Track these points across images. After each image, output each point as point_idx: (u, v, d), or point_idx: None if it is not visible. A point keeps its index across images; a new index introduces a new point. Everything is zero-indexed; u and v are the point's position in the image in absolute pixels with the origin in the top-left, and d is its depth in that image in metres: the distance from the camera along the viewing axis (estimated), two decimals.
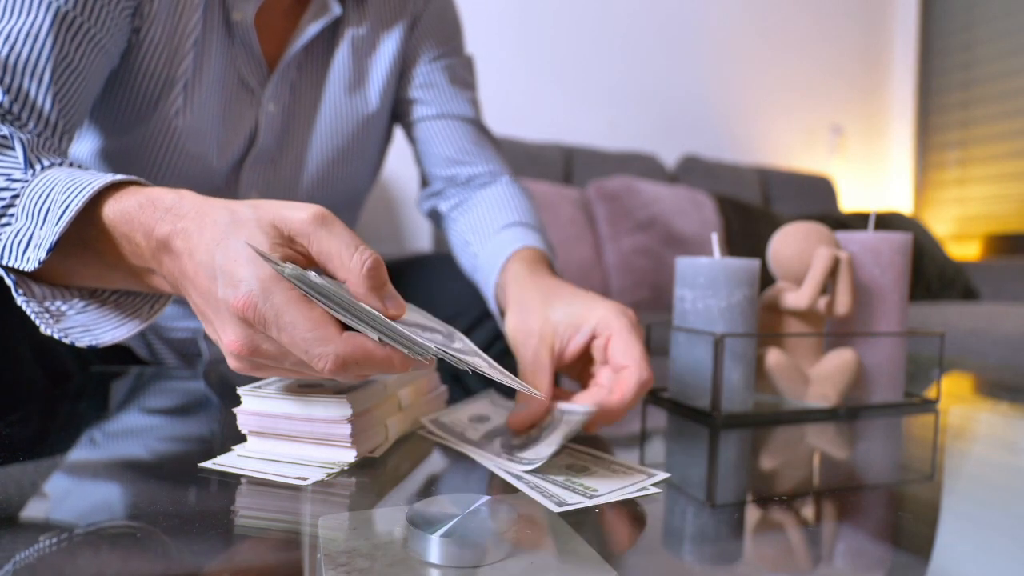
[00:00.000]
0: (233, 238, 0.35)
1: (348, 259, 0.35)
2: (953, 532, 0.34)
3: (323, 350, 0.33)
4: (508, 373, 0.36)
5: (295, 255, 0.36)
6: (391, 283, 0.37)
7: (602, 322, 0.48)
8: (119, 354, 0.79)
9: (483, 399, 0.56)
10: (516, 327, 0.52)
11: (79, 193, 0.41)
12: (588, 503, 0.34)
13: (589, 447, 0.44)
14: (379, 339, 0.34)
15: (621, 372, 0.46)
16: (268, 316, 0.33)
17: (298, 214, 0.36)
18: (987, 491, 0.42)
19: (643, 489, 0.37)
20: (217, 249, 0.35)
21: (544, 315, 0.51)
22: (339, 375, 0.34)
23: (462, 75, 0.84)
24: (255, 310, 0.33)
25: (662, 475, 0.39)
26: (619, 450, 0.48)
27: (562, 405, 0.46)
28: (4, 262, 0.44)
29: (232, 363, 0.37)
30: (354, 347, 0.33)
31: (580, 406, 0.44)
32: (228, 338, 0.35)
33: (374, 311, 0.34)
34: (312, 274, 0.34)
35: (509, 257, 0.66)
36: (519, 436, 0.45)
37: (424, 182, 0.87)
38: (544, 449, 0.40)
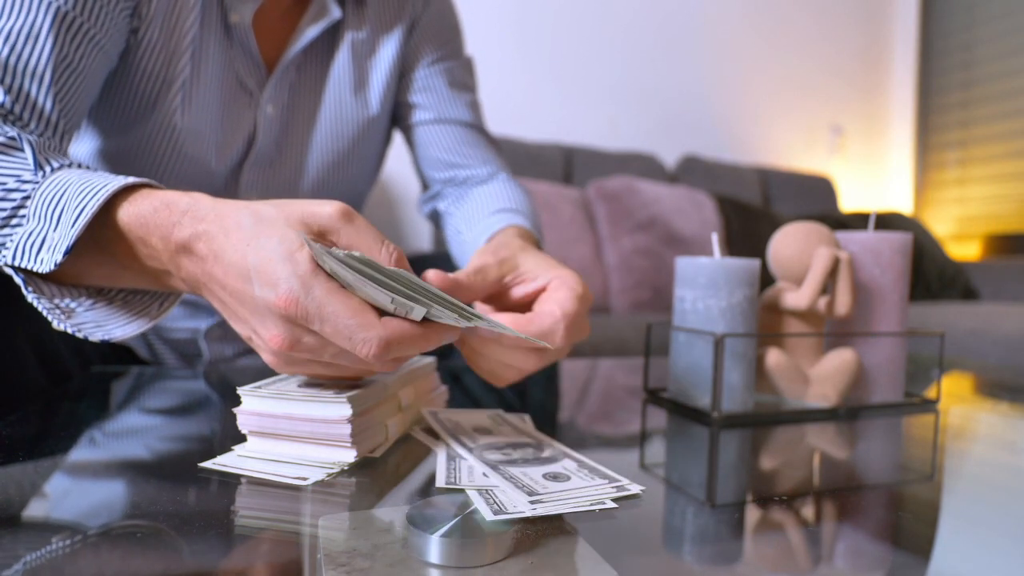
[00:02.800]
0: (264, 237, 0.36)
1: (377, 252, 0.37)
2: (953, 532, 0.34)
3: (367, 335, 0.34)
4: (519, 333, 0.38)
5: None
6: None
7: (558, 279, 0.48)
8: (119, 354, 0.79)
9: (490, 415, 0.52)
10: (477, 257, 0.50)
11: (93, 196, 0.42)
12: (528, 513, 0.31)
13: (584, 447, 0.44)
14: (426, 312, 0.35)
15: (544, 305, 0.45)
16: (311, 309, 0.34)
17: (324, 209, 0.37)
18: (987, 491, 0.42)
19: (597, 503, 0.34)
20: (248, 250, 0.36)
21: (511, 253, 0.50)
22: (381, 358, 0.35)
23: (461, 78, 0.84)
24: (298, 305, 0.34)
25: (635, 488, 0.36)
26: (618, 450, 0.48)
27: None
28: (16, 263, 0.44)
29: (269, 359, 0.38)
30: (394, 329, 0.35)
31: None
32: (270, 334, 0.36)
33: (421, 280, 0.36)
34: (356, 253, 0.36)
35: (493, 234, 0.66)
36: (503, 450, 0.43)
37: (424, 186, 0.87)
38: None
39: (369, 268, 0.35)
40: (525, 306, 0.49)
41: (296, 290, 0.34)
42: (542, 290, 0.48)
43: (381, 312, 0.36)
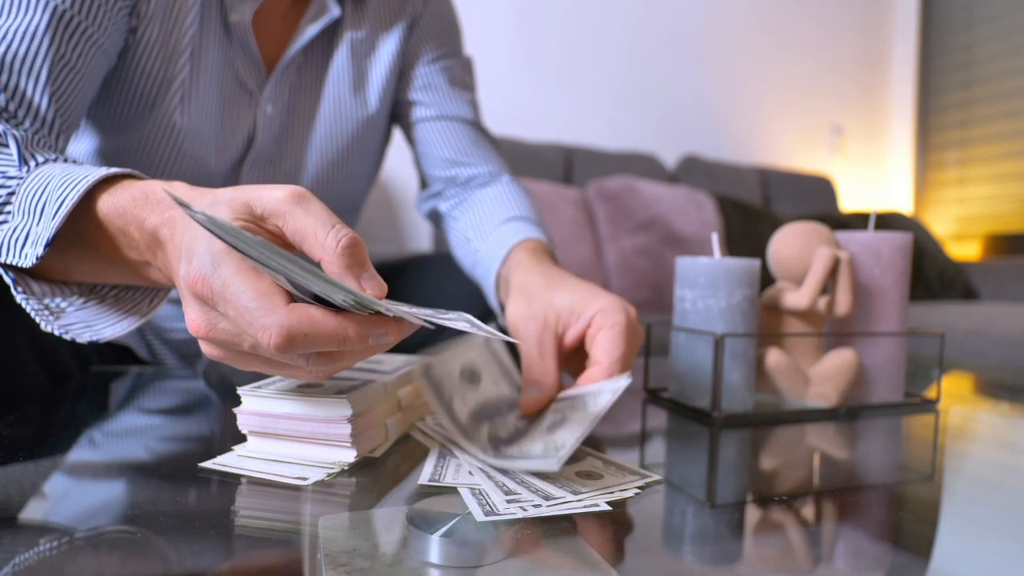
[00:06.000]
0: None
1: (323, 237, 0.33)
2: (953, 532, 0.34)
3: (266, 320, 0.31)
4: (493, 331, 0.35)
5: (263, 232, 0.35)
6: (372, 266, 0.35)
7: (601, 314, 0.47)
8: (119, 354, 0.79)
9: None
10: (518, 312, 0.51)
11: (73, 188, 0.41)
12: (520, 515, 0.31)
13: (584, 447, 0.44)
14: (289, 282, 0.31)
15: (591, 368, 0.45)
16: (216, 287, 0.32)
17: (273, 193, 0.35)
18: (987, 491, 0.42)
19: (592, 506, 0.33)
20: (187, 230, 0.35)
21: (547, 299, 0.50)
22: (287, 351, 0.31)
23: (461, 77, 0.84)
24: (204, 282, 0.32)
25: (655, 476, 0.38)
26: (617, 450, 0.48)
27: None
28: (2, 259, 0.44)
29: (202, 347, 0.36)
30: (299, 317, 0.31)
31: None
32: (188, 317, 0.34)
33: (293, 256, 0.32)
34: (227, 221, 0.31)
35: (512, 248, 0.66)
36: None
37: (423, 184, 0.87)
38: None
39: (220, 228, 0.30)
40: (581, 348, 0.49)
41: (205, 267, 0.32)
42: (587, 327, 0.48)
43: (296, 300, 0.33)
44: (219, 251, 0.32)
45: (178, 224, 0.37)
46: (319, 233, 0.33)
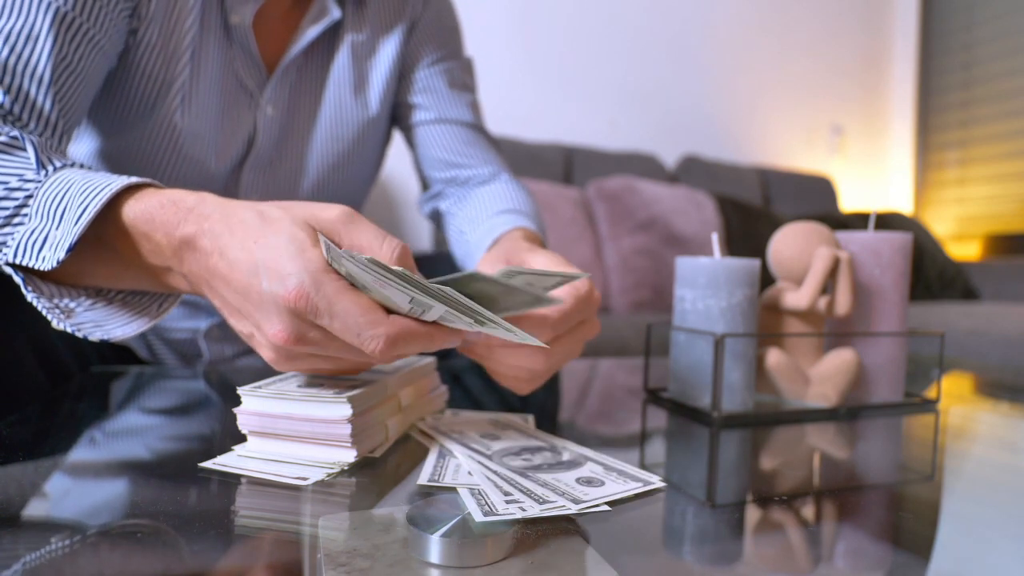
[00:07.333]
0: (272, 234, 0.37)
1: (379, 248, 0.38)
2: (953, 532, 0.34)
3: (375, 331, 0.35)
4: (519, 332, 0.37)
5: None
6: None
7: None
8: (119, 354, 0.79)
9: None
10: (483, 266, 0.52)
11: (97, 194, 0.42)
12: (520, 515, 0.31)
13: (595, 447, 0.44)
14: (446, 312, 0.36)
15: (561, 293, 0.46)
16: (320, 305, 0.35)
17: (328, 213, 0.39)
18: (987, 491, 0.42)
19: (590, 507, 0.33)
20: (256, 246, 0.37)
21: (520, 256, 0.51)
22: (386, 354, 0.36)
23: (461, 78, 0.84)
24: (308, 300, 0.35)
25: (657, 482, 0.39)
26: (617, 449, 0.48)
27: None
28: (17, 261, 0.44)
29: (269, 355, 0.39)
30: (401, 327, 0.36)
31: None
32: (274, 329, 0.36)
33: (443, 287, 0.36)
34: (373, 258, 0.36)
35: (499, 237, 0.66)
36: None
37: (424, 186, 0.87)
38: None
39: (386, 271, 0.35)
40: None
41: (307, 285, 0.35)
42: None
43: (387, 310, 0.37)
44: (317, 270, 0.35)
45: (224, 237, 0.38)
46: (374, 245, 0.39)
